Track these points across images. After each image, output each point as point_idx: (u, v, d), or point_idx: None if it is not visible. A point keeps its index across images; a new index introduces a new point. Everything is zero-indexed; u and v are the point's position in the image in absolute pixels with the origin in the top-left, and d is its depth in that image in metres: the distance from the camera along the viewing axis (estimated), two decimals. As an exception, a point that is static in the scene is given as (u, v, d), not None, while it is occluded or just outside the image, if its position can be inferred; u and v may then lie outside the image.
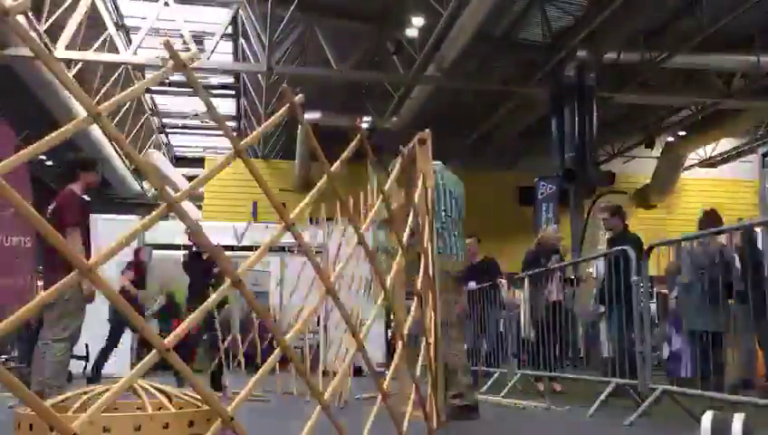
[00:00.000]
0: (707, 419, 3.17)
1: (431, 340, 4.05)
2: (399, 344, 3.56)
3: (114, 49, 13.97)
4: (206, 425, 3.98)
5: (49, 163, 19.39)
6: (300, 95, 1.66)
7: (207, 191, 19.53)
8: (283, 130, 19.93)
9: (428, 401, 3.85)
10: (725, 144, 19.86)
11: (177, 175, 22.07)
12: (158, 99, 20.28)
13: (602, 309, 7.27)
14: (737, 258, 7.07)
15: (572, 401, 5.99)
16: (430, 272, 4.11)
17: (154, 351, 1.17)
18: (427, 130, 4.73)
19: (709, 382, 5.97)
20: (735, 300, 6.91)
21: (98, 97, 15.73)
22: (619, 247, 5.79)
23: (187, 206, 22.01)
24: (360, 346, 2.19)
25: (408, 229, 3.52)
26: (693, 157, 20.12)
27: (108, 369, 7.84)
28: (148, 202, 24.84)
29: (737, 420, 3.07)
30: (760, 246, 7.40)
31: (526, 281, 7.82)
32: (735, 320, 6.81)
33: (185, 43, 13.29)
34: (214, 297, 1.44)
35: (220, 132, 23.00)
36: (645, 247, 5.50)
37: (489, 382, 7.63)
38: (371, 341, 7.56)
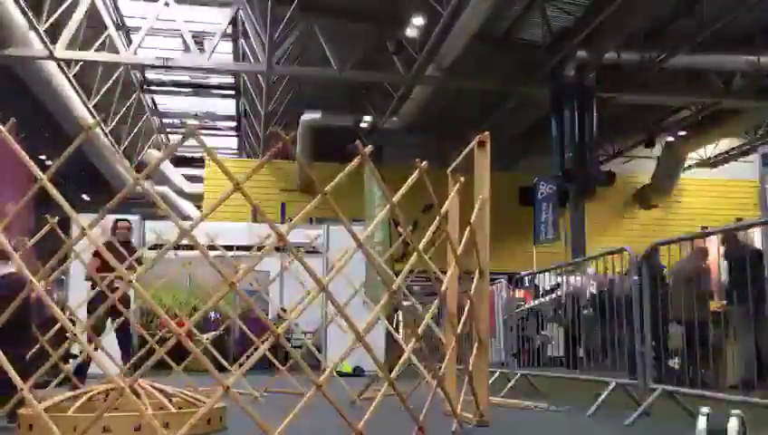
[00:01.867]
0: (703, 419, 3.17)
1: (483, 342, 4.12)
2: (453, 344, 3.57)
3: (114, 49, 13.98)
4: (205, 425, 3.99)
5: (49, 162, 19.38)
6: (292, 133, 1.69)
7: (207, 192, 19.53)
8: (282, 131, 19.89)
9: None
10: (725, 144, 19.85)
11: (176, 175, 22.07)
12: (158, 99, 20.27)
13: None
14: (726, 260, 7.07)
15: (572, 401, 5.99)
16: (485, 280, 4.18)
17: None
18: (487, 133, 4.56)
19: (709, 382, 5.99)
20: (734, 301, 6.91)
21: (97, 97, 15.73)
22: (619, 247, 5.80)
23: (187, 206, 22.02)
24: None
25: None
26: (693, 157, 20.11)
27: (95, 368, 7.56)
28: (148, 201, 24.78)
29: (734, 420, 3.07)
30: (759, 246, 7.41)
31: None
32: (734, 320, 6.81)
33: (185, 43, 13.30)
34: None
35: (220, 132, 23.05)
36: (645, 247, 5.50)
37: (489, 382, 7.63)
38: (372, 341, 7.56)
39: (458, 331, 4.01)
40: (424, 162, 3.53)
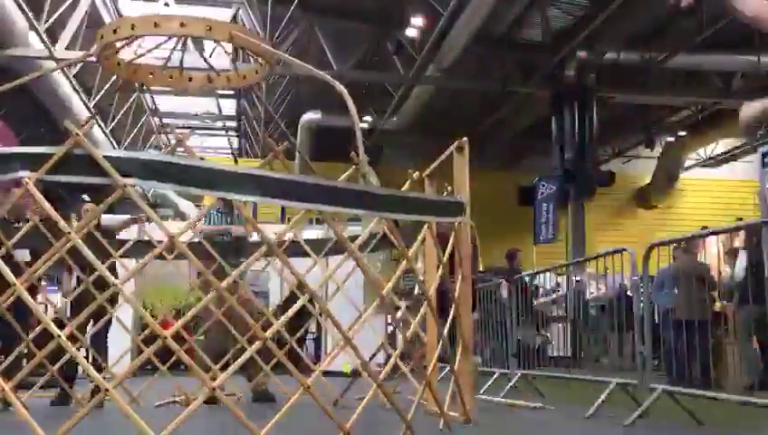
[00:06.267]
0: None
1: (467, 343, 4.24)
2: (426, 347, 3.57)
3: (114, 49, 13.95)
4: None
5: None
6: (284, 144, 1.73)
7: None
8: (282, 131, 19.92)
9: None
10: (725, 144, 19.85)
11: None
12: (158, 99, 20.26)
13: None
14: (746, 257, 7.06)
15: (572, 401, 5.98)
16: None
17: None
18: (465, 139, 4.67)
19: (710, 382, 5.98)
20: (738, 301, 6.90)
21: (97, 97, 15.73)
22: (620, 247, 5.79)
23: (188, 206, 22.06)
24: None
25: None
26: (693, 157, 20.11)
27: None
28: (150, 202, 24.81)
29: None
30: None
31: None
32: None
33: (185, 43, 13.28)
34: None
35: (220, 132, 23.05)
36: (645, 247, 5.50)
37: (489, 383, 7.62)
38: (370, 341, 7.52)
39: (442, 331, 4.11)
40: (416, 172, 3.59)
